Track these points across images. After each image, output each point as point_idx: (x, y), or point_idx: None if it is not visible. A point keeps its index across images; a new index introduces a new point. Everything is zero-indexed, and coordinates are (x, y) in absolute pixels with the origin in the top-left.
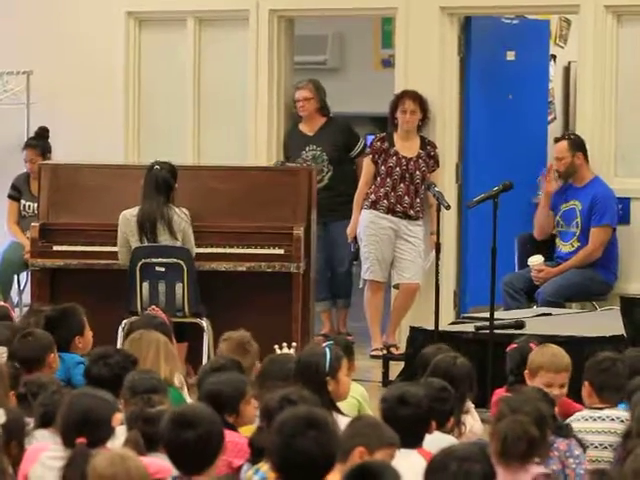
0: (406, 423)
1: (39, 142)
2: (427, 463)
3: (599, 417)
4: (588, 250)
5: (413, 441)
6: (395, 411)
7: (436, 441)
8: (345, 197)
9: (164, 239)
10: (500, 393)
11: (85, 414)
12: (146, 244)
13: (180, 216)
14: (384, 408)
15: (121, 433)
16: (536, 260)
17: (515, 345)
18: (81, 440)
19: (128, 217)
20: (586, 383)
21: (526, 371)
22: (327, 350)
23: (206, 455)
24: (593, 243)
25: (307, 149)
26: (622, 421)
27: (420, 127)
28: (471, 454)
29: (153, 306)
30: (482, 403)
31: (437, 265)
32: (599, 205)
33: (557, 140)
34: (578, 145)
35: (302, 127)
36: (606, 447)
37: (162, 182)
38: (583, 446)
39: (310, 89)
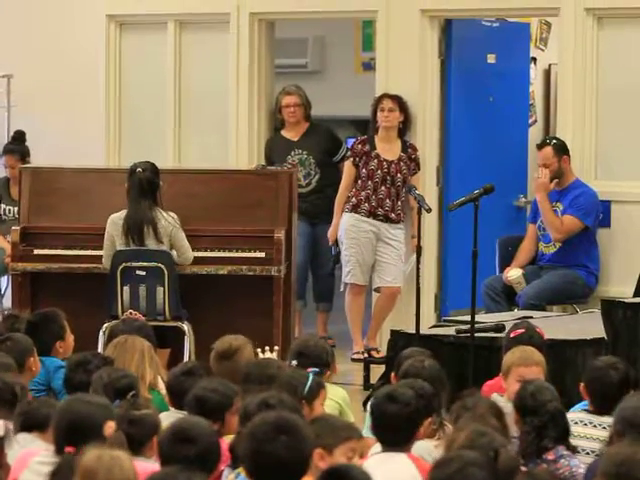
0: (394, 421)
1: (18, 147)
2: (434, 461)
3: (599, 424)
4: (557, 226)
5: (401, 442)
6: (383, 407)
7: (419, 449)
8: (334, 201)
9: (150, 243)
10: (491, 385)
11: (75, 422)
12: (128, 248)
13: (167, 220)
14: (372, 404)
15: None
16: (514, 274)
17: (522, 330)
18: (69, 449)
19: (116, 220)
20: (582, 385)
21: (500, 374)
22: (310, 375)
23: (203, 470)
24: (563, 226)
25: (292, 154)
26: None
27: (403, 131)
28: (477, 460)
29: (131, 310)
30: None
31: (418, 268)
32: (579, 200)
33: (540, 147)
34: (562, 149)
35: (285, 133)
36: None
37: (146, 184)
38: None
39: (300, 95)
